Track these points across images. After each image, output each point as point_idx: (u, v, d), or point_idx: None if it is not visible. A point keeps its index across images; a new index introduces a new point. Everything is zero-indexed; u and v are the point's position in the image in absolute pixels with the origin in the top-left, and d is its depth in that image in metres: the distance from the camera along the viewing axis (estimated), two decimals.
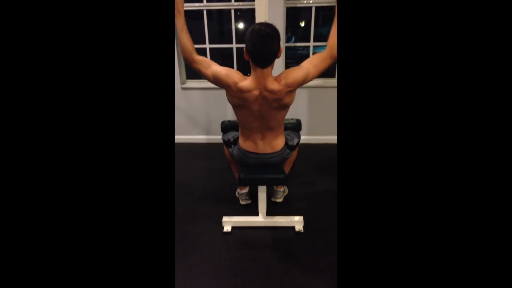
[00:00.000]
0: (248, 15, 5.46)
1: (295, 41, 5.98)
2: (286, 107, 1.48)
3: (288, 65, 2.73)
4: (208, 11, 2.67)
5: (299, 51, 5.53)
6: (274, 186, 2.03)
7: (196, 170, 2.52)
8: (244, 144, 1.62)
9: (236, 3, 2.63)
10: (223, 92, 1.49)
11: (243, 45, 1.37)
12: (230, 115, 2.87)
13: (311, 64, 1.40)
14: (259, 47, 1.29)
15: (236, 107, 1.50)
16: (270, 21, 1.34)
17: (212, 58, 1.59)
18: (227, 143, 1.75)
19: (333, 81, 2.76)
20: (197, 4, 2.62)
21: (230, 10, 2.68)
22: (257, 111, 1.45)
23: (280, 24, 2.49)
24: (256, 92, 1.39)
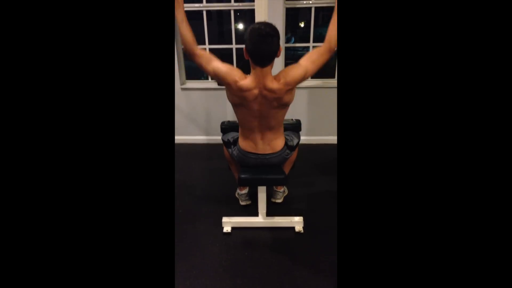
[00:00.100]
0: (248, 15, 5.46)
1: (294, 42, 5.98)
2: (286, 105, 1.48)
3: (287, 65, 2.73)
4: (208, 11, 2.68)
5: (299, 52, 5.53)
6: (274, 187, 2.03)
7: (196, 171, 2.52)
8: (244, 144, 1.62)
9: (236, 4, 2.63)
10: (223, 93, 1.49)
11: (242, 46, 1.37)
12: (230, 115, 2.87)
13: (310, 60, 1.40)
14: (259, 46, 1.29)
15: (235, 106, 1.50)
16: (269, 22, 1.34)
17: None
18: (226, 143, 1.75)
19: (333, 81, 2.76)
20: (196, 5, 2.62)
21: (229, 10, 2.69)
22: (257, 110, 1.45)
23: (279, 25, 2.49)
24: (255, 91, 1.39)
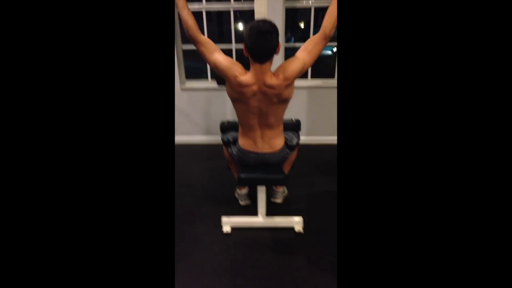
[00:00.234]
0: (247, 16, 5.46)
1: (294, 42, 5.99)
2: (286, 101, 1.48)
3: None
4: (208, 12, 2.67)
5: None
6: (274, 187, 2.03)
7: (196, 171, 2.52)
8: (244, 142, 1.62)
9: (236, 4, 2.63)
10: (223, 93, 1.49)
11: (242, 46, 1.37)
12: (230, 115, 2.87)
13: (306, 51, 1.41)
14: (258, 43, 1.29)
15: (234, 101, 1.50)
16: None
17: None
18: (226, 143, 1.75)
19: (333, 81, 2.76)
20: (196, 6, 2.62)
21: (229, 11, 2.68)
22: (256, 107, 1.46)
23: (279, 25, 2.48)
24: (255, 88, 1.39)
